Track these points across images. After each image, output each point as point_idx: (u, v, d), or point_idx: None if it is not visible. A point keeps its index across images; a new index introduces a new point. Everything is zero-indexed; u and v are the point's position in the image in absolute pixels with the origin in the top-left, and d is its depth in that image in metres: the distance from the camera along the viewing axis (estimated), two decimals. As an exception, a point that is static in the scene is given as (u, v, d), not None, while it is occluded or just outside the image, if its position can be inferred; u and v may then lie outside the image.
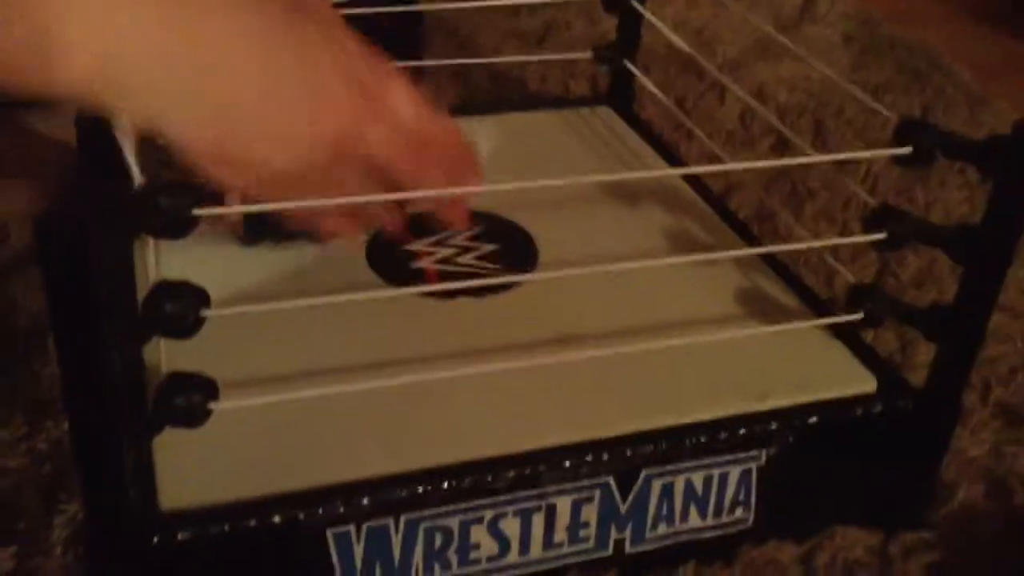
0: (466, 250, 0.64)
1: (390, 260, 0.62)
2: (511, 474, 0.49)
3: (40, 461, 0.57)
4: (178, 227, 0.38)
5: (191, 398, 0.43)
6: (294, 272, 0.60)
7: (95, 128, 0.38)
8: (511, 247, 0.64)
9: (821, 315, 0.58)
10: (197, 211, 0.38)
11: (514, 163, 0.72)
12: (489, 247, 0.64)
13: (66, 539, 0.52)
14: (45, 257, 0.35)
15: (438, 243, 0.64)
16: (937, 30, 1.26)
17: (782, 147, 0.92)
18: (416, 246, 0.63)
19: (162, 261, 0.56)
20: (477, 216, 0.66)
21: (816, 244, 0.54)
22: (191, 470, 0.46)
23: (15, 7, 0.37)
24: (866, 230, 0.52)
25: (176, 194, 0.37)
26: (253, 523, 0.45)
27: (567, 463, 0.50)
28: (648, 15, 0.77)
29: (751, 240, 0.66)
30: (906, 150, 0.50)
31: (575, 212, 0.67)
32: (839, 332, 0.57)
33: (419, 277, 0.61)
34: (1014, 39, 1.29)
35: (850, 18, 1.22)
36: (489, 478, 0.49)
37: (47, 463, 0.57)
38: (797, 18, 1.23)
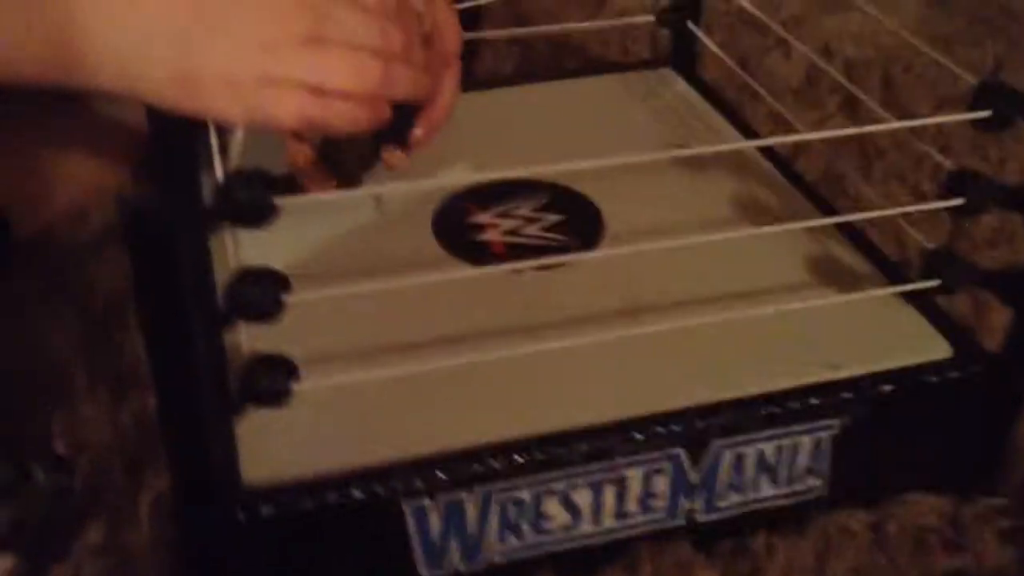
0: (532, 221, 0.64)
1: (456, 232, 0.62)
2: (583, 447, 0.49)
3: (125, 435, 0.59)
4: (258, 216, 0.39)
5: (275, 379, 0.44)
6: (363, 246, 0.61)
7: (170, 121, 0.39)
8: (577, 217, 0.64)
9: (894, 281, 0.58)
10: (277, 200, 0.38)
11: (578, 129, 0.73)
12: (555, 218, 0.64)
13: (153, 514, 0.54)
14: (131, 244, 0.36)
15: (503, 214, 0.64)
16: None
17: (850, 105, 0.91)
18: (482, 218, 0.63)
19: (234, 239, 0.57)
20: (542, 186, 0.66)
21: (890, 212, 0.54)
22: (272, 447, 0.48)
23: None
24: (943, 196, 0.51)
25: (254, 184, 0.38)
26: (334, 498, 0.47)
27: (638, 436, 0.50)
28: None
29: (820, 204, 0.66)
30: (985, 113, 0.49)
31: (641, 180, 0.66)
32: (911, 297, 0.57)
33: (486, 249, 0.61)
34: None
35: (918, -34, 1.19)
36: (562, 451, 0.49)
37: (132, 437, 0.59)
38: (862, -32, 1.20)
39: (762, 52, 0.99)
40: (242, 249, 0.56)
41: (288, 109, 0.46)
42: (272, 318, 0.42)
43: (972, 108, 0.49)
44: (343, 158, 0.61)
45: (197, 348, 0.40)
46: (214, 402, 0.42)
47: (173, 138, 0.37)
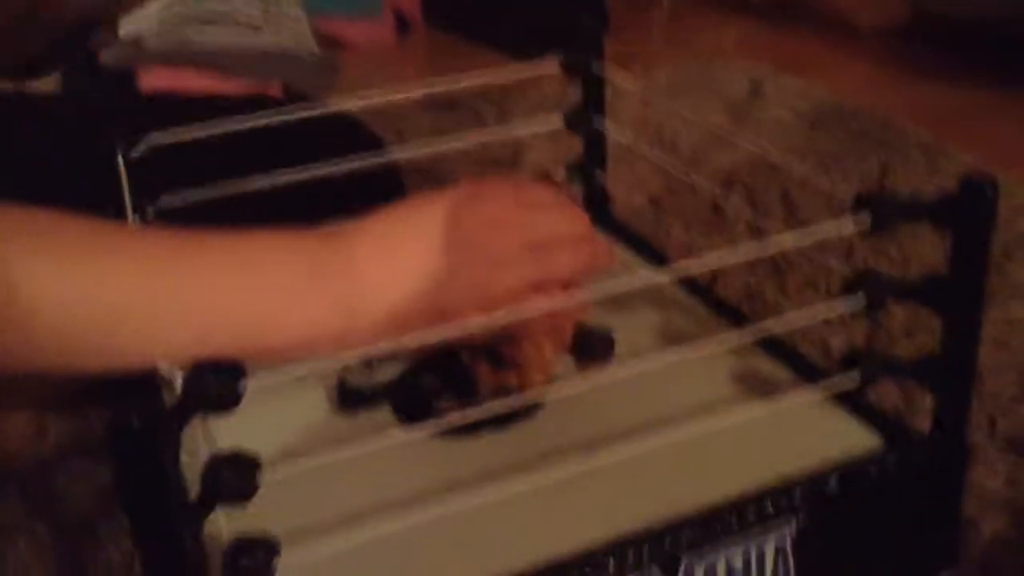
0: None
1: (412, 406, 0.64)
2: (559, 583, 0.51)
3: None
4: (227, 404, 0.41)
5: (256, 558, 0.45)
6: (321, 425, 0.63)
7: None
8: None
9: (819, 383, 0.62)
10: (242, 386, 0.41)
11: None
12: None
13: None
14: (118, 456, 0.38)
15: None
16: (883, 94, 1.33)
17: (757, 226, 0.97)
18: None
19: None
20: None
21: (797, 317, 0.58)
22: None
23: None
24: (844, 296, 0.55)
25: (221, 373, 0.41)
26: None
27: (612, 561, 0.52)
28: (611, 133, 0.82)
29: (741, 322, 0.70)
30: (865, 220, 0.54)
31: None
32: (841, 396, 0.61)
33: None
34: (958, 90, 1.36)
35: (798, 95, 1.29)
36: (542, 589, 0.51)
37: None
38: (747, 102, 1.30)
39: (669, 190, 1.06)
40: (212, 432, 0.58)
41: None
42: (247, 500, 0.44)
43: (852, 215, 0.54)
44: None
45: (179, 540, 0.42)
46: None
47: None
